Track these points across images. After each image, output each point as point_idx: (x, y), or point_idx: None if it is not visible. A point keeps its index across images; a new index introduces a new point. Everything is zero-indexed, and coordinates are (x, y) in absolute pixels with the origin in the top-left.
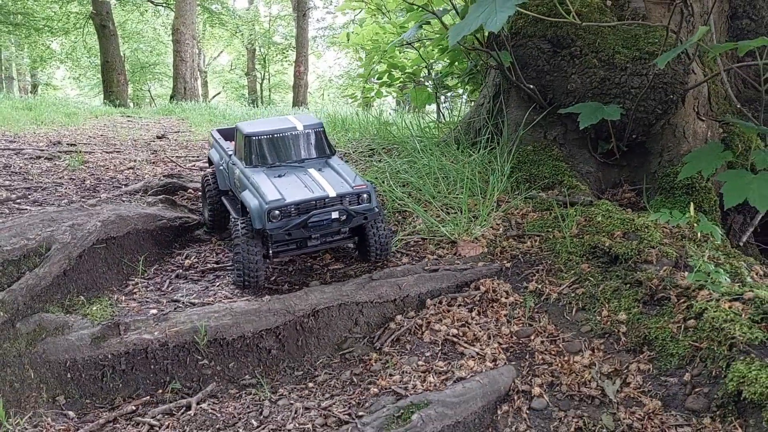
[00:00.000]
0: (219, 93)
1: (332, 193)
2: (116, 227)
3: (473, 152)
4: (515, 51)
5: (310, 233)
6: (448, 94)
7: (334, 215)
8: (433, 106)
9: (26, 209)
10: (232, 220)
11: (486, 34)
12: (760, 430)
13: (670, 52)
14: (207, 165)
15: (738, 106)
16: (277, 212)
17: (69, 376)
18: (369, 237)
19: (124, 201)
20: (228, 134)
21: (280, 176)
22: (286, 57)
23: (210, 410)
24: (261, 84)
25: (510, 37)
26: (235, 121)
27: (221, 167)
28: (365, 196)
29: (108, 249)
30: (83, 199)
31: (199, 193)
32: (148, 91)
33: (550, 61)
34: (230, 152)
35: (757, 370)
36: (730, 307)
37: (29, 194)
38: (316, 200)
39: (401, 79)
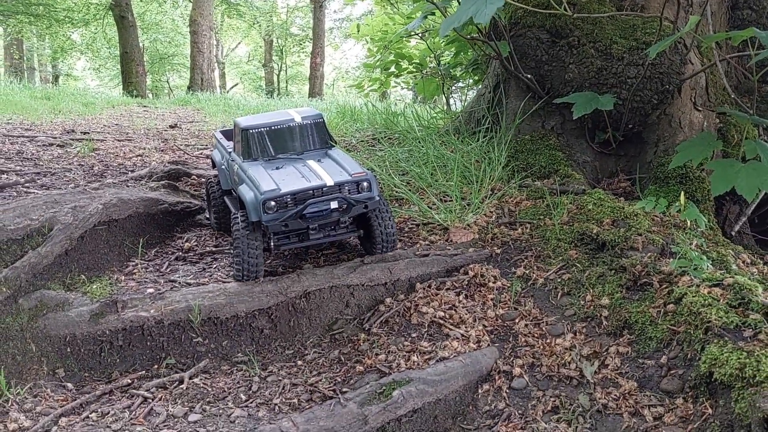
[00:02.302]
0: (236, 84)
1: (330, 182)
2: (118, 210)
3: (472, 141)
4: (514, 41)
5: (308, 224)
6: (457, 84)
7: (333, 205)
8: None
9: (33, 192)
10: (232, 217)
11: (486, 24)
12: (728, 410)
13: (661, 42)
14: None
15: (732, 96)
16: (272, 203)
17: (69, 350)
18: (375, 230)
19: (128, 186)
20: (231, 135)
21: (277, 168)
22: (303, 48)
23: (201, 384)
24: (278, 75)
25: (509, 28)
26: (250, 113)
27: (222, 166)
28: (365, 184)
29: (109, 231)
30: (89, 184)
31: (203, 180)
32: (167, 82)
33: (548, 51)
34: (230, 150)
35: (729, 353)
36: (709, 293)
37: (38, 179)
38: (313, 189)
39: (409, 70)
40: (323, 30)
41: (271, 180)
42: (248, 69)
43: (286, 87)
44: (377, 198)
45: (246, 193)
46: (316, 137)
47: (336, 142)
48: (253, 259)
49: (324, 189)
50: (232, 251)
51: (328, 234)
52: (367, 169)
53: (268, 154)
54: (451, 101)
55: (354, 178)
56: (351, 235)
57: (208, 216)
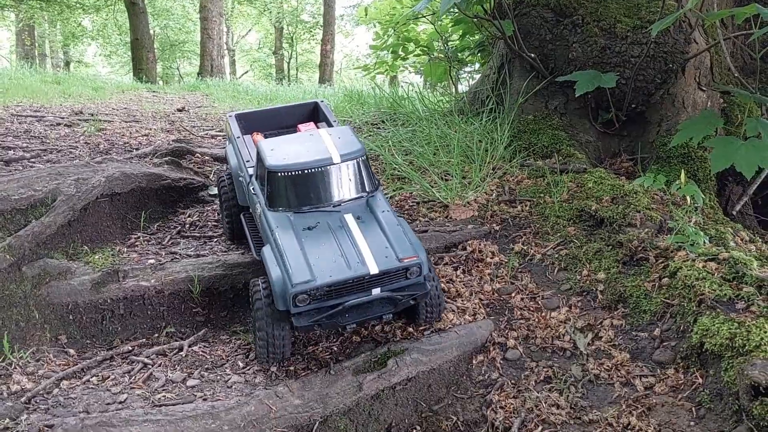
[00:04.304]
0: (247, 72)
1: (374, 270)
2: (120, 184)
3: (475, 122)
4: (519, 20)
5: (344, 322)
6: (465, 69)
7: (375, 291)
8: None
9: (38, 167)
10: (251, 284)
11: (492, 3)
12: (718, 379)
13: (664, 20)
14: (219, 136)
15: (736, 76)
16: (305, 296)
17: (71, 317)
18: (419, 306)
19: (132, 162)
20: (250, 122)
21: (309, 229)
22: (313, 35)
23: (200, 352)
24: (288, 63)
25: (513, 6)
26: (258, 99)
27: (240, 178)
28: (415, 269)
29: (112, 204)
30: (93, 159)
31: (207, 158)
32: (177, 69)
33: (552, 30)
34: (249, 167)
35: (720, 324)
36: (704, 267)
37: (44, 155)
38: (353, 279)
39: (416, 53)
40: (333, 17)
41: (302, 259)
42: (259, 56)
43: (296, 74)
44: (429, 287)
45: (272, 267)
46: (356, 182)
47: (378, 184)
48: (280, 342)
49: (366, 277)
50: (254, 329)
51: (361, 314)
52: (417, 239)
53: (298, 204)
54: (459, 87)
55: (404, 264)
56: (388, 311)
57: (221, 218)
